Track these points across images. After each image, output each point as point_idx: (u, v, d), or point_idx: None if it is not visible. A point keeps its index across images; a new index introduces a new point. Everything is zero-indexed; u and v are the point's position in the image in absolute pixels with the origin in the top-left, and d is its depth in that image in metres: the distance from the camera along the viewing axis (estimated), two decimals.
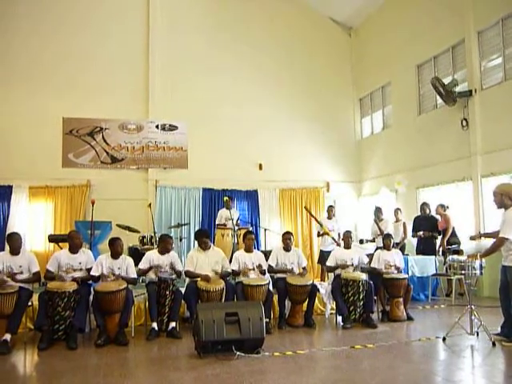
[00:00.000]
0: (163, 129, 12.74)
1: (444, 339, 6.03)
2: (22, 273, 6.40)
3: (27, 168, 11.60)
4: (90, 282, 6.69)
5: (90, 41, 12.52)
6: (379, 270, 7.70)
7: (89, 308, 6.40)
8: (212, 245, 7.51)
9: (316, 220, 10.79)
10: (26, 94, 11.96)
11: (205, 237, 7.34)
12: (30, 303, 6.37)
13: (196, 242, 7.56)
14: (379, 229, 10.01)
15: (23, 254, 6.60)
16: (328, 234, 9.95)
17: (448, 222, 9.64)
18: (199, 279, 6.90)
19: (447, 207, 9.82)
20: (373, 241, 10.35)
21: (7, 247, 6.67)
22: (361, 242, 10.27)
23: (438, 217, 9.86)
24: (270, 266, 7.52)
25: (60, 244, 9.60)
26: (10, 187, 11.58)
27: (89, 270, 6.67)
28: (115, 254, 6.78)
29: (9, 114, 11.82)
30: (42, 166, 11.73)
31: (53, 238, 10.25)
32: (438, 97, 10.65)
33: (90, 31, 12.54)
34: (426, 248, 9.80)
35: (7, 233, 10.46)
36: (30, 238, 11.38)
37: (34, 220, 11.72)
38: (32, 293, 6.41)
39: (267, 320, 6.29)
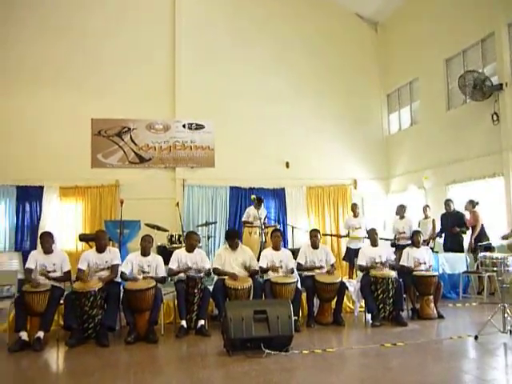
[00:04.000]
0: (190, 128, 12.82)
1: (476, 337, 5.91)
2: (55, 271, 6.55)
3: (58, 169, 11.83)
4: (120, 280, 6.78)
5: (118, 43, 12.66)
6: (408, 268, 7.61)
7: (119, 306, 6.49)
8: (240, 243, 7.54)
9: (340, 236, 11.01)
10: (56, 96, 12.18)
11: (235, 238, 7.40)
12: (61, 301, 6.46)
13: (224, 240, 7.60)
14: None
15: (56, 252, 6.75)
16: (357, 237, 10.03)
17: (477, 219, 9.43)
18: (227, 277, 6.94)
19: (477, 203, 9.60)
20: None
21: (40, 246, 6.81)
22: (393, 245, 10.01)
23: (467, 213, 9.67)
24: (298, 263, 7.50)
25: (90, 243, 9.75)
26: (42, 188, 11.83)
27: (113, 266, 6.72)
28: (145, 252, 6.87)
29: (39, 117, 12.07)
30: (72, 167, 11.94)
31: (83, 238, 10.43)
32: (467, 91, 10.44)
33: (118, 34, 12.69)
34: (453, 245, 9.64)
35: (40, 232, 10.82)
36: (61, 237, 11.57)
37: (65, 220, 11.94)
38: (64, 291, 6.51)
39: (296, 318, 6.27)
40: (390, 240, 10.04)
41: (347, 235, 10.44)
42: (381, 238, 8.76)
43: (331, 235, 12.43)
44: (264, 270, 7.26)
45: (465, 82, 10.10)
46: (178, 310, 6.71)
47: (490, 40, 10.33)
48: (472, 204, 9.57)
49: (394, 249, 9.45)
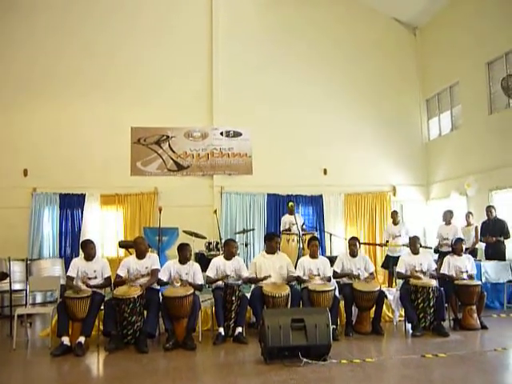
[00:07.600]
0: (227, 135, 12.90)
1: None
2: (95, 278, 6.70)
3: (99, 177, 12.10)
4: (159, 287, 6.86)
5: (155, 51, 12.87)
6: (450, 277, 7.43)
7: (159, 313, 6.55)
8: (278, 250, 7.53)
9: (379, 245, 10.89)
10: (97, 106, 12.46)
11: (274, 240, 7.42)
12: (102, 307, 6.58)
13: (262, 247, 7.61)
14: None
15: (97, 259, 6.89)
16: (397, 245, 9.88)
17: None
18: (264, 284, 6.93)
19: None
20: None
21: (81, 253, 6.96)
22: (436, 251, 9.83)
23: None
24: (334, 271, 7.44)
25: (130, 250, 9.89)
26: (83, 195, 12.10)
27: (153, 271, 6.79)
28: (183, 260, 6.93)
29: (81, 126, 12.36)
30: (112, 175, 12.19)
31: (123, 244, 10.60)
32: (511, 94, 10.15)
33: (156, 43, 12.91)
34: (494, 253, 9.35)
35: (81, 239, 11.06)
36: (102, 244, 11.82)
37: (106, 227, 12.20)
38: (104, 297, 6.64)
39: (334, 327, 6.21)
40: (430, 248, 9.86)
41: (385, 244, 10.30)
42: (421, 246, 8.60)
43: (369, 244, 12.28)
44: (302, 281, 7.22)
45: (508, 84, 9.84)
46: (215, 318, 6.74)
47: None
48: None
49: (436, 255, 9.28)
